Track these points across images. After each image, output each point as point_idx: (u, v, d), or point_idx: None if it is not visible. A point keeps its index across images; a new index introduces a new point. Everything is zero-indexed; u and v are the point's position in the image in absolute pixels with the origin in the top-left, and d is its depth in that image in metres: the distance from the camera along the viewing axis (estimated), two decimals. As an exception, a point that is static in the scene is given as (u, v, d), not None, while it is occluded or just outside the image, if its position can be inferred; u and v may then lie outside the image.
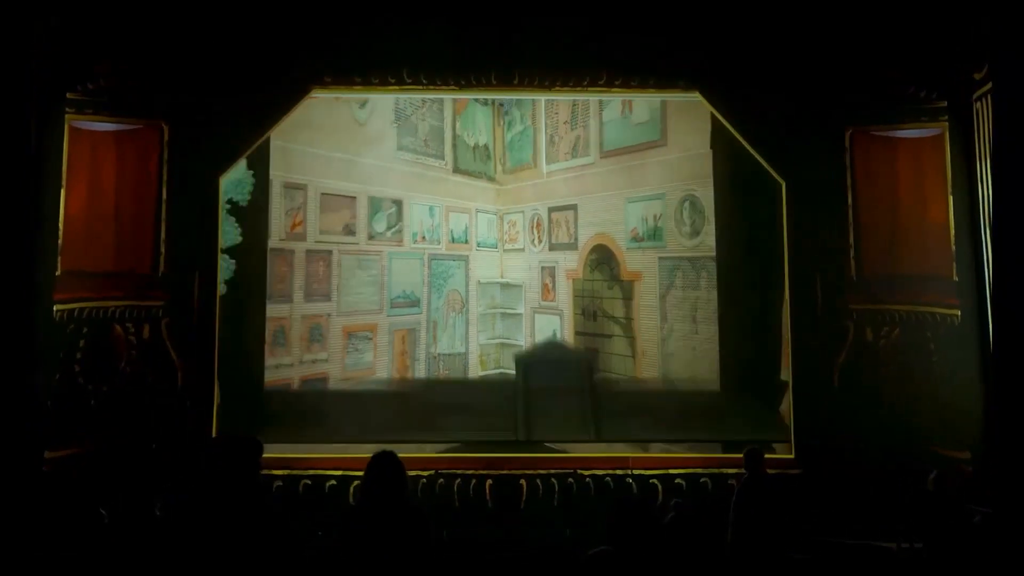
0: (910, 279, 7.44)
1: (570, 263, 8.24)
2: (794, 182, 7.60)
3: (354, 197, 8.15)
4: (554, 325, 8.26)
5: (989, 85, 6.64)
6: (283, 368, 7.81)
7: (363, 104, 8.15)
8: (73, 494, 6.46)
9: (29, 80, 6.39)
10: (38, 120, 6.63)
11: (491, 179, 8.50)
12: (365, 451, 3.65)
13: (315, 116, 8.00)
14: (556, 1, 7.42)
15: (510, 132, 8.48)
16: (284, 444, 7.21)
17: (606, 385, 7.93)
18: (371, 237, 8.18)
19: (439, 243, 8.36)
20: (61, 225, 7.05)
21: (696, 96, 7.77)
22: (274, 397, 7.70)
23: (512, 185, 8.52)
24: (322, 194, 8.07)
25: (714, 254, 7.90)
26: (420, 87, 7.83)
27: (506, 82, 7.79)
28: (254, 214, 7.76)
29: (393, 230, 8.21)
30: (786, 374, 7.57)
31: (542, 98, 8.24)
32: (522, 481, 7.34)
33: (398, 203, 8.27)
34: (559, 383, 7.91)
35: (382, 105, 8.20)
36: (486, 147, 8.50)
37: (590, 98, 8.15)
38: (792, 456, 7.38)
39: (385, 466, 3.41)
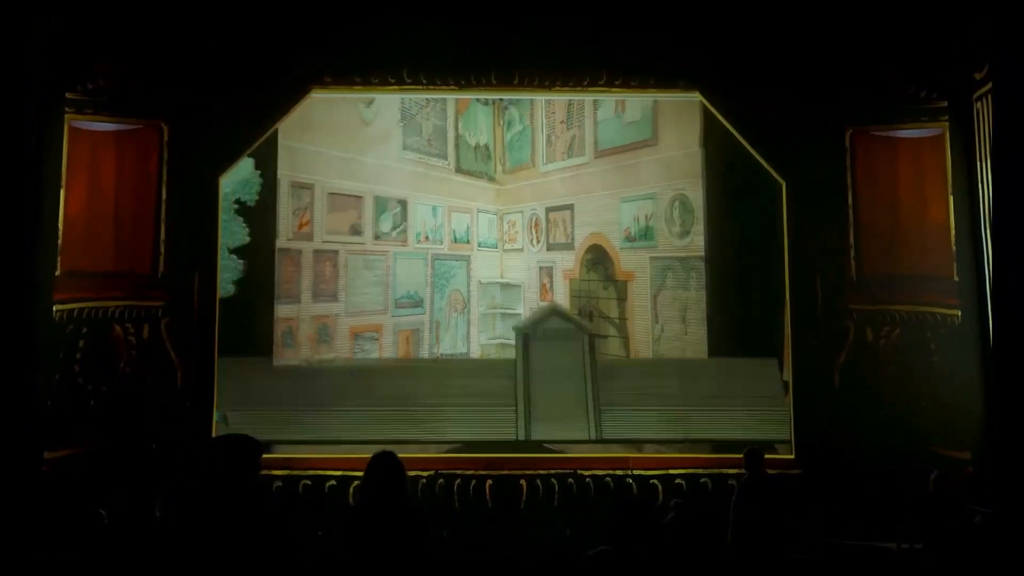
0: (910, 279, 7.44)
1: (567, 263, 8.24)
2: (794, 182, 7.60)
3: (360, 197, 8.14)
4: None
5: (989, 85, 6.63)
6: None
7: (369, 103, 8.15)
8: (73, 494, 6.46)
9: (29, 80, 6.38)
10: (38, 120, 6.62)
11: (491, 179, 8.50)
12: (365, 451, 3.65)
13: (322, 115, 7.99)
14: (556, 1, 7.42)
15: (509, 132, 8.48)
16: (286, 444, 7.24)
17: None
18: (377, 237, 8.17)
19: (442, 243, 8.36)
20: (61, 225, 7.05)
21: (696, 96, 7.77)
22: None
23: (511, 185, 8.52)
24: (329, 194, 8.07)
25: (703, 254, 7.89)
26: (420, 87, 7.84)
27: (506, 82, 7.79)
28: (262, 214, 7.77)
29: (398, 230, 8.21)
30: (786, 374, 7.57)
31: (542, 98, 8.24)
32: (522, 481, 7.34)
33: (403, 203, 8.27)
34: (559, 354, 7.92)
35: (388, 104, 8.19)
36: (487, 147, 8.50)
37: (590, 98, 8.15)
38: (792, 456, 7.38)
39: (385, 466, 3.41)
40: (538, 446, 7.65)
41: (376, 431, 7.45)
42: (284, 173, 7.88)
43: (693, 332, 7.85)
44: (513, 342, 8.05)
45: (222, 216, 7.63)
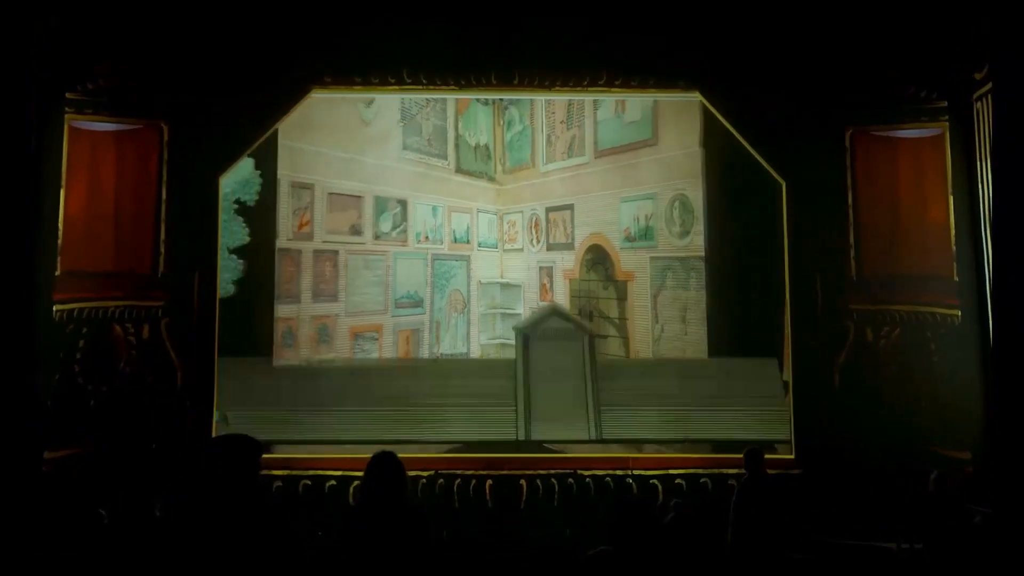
0: (910, 279, 7.44)
1: (567, 263, 8.23)
2: (794, 182, 7.60)
3: (360, 197, 8.14)
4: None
5: (989, 85, 6.63)
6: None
7: (369, 103, 8.14)
8: (73, 494, 6.46)
9: (29, 80, 6.38)
10: (38, 120, 6.62)
11: (491, 179, 8.50)
12: (365, 451, 3.65)
13: (322, 115, 7.99)
14: (556, 1, 7.42)
15: (509, 132, 8.47)
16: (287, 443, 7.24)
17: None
18: (377, 237, 8.17)
19: (442, 243, 8.35)
20: (61, 225, 7.05)
21: (696, 96, 7.77)
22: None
23: (511, 185, 8.52)
24: (329, 193, 8.06)
25: (703, 254, 7.89)
26: (420, 87, 7.84)
27: (506, 82, 7.79)
28: (262, 214, 7.77)
29: (398, 230, 8.21)
30: (786, 374, 7.57)
31: (542, 98, 8.24)
32: (522, 481, 7.34)
33: (403, 203, 8.26)
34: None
35: (388, 104, 8.18)
36: (487, 147, 8.50)
37: (590, 98, 8.15)
38: (792, 456, 7.38)
39: (385, 466, 3.41)
40: (538, 446, 7.65)
41: (376, 431, 7.46)
42: (284, 173, 7.88)
43: (693, 332, 7.85)
44: (513, 342, 8.05)
45: (222, 216, 7.63)
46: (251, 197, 7.75)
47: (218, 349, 7.48)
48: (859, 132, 7.62)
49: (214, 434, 7.15)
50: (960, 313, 7.19)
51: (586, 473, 7.37)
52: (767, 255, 7.70)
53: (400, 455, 3.46)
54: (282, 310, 7.79)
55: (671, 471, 7.37)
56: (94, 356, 7.13)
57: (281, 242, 7.85)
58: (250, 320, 7.67)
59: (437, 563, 3.46)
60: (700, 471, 7.35)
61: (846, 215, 7.57)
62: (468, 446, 7.58)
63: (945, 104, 7.36)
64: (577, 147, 8.36)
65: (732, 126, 7.68)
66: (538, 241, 8.36)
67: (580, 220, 8.23)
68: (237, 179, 7.70)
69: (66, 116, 7.12)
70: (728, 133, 7.73)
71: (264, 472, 6.37)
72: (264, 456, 3.63)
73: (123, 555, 5.00)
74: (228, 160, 7.59)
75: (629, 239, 8.07)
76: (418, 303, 8.19)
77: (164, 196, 7.43)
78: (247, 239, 7.71)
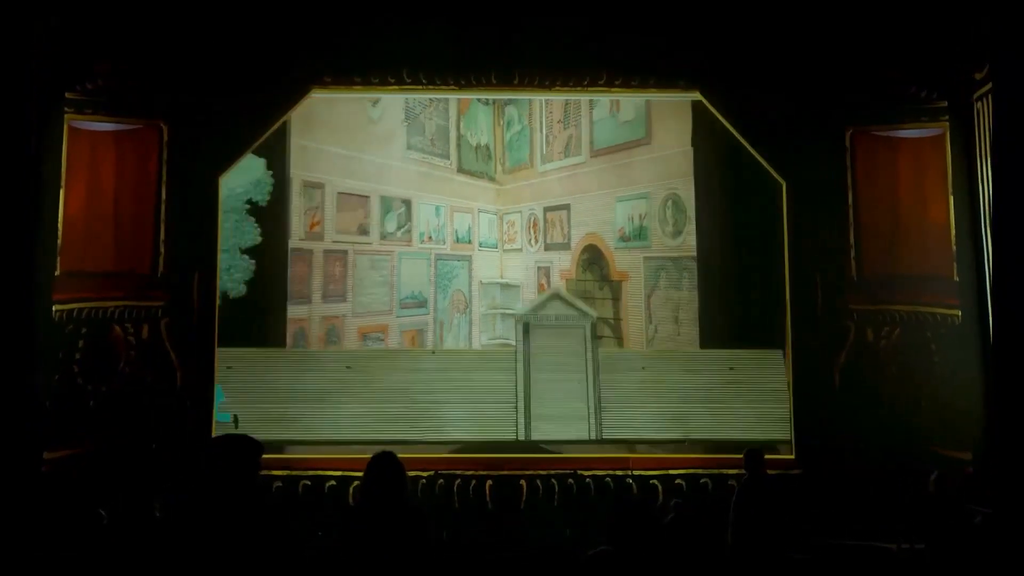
0: (911, 279, 7.44)
1: (564, 263, 8.23)
2: (794, 182, 7.60)
3: (367, 196, 8.14)
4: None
5: (989, 85, 6.63)
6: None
7: (376, 102, 8.15)
8: (72, 494, 6.45)
9: (29, 80, 6.37)
10: (38, 120, 6.61)
11: (491, 179, 8.50)
12: (365, 451, 3.65)
13: (331, 114, 7.98)
14: (556, 1, 7.42)
15: (509, 132, 8.47)
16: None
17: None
18: (383, 237, 8.17)
19: (444, 243, 8.35)
20: (61, 225, 7.04)
21: (696, 96, 7.77)
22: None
23: (511, 185, 8.52)
24: (338, 193, 8.05)
25: (695, 253, 7.87)
26: (420, 87, 7.83)
27: (506, 82, 7.78)
28: (273, 214, 7.76)
29: (403, 230, 8.21)
30: (787, 374, 7.57)
31: (542, 98, 8.24)
32: (522, 482, 7.34)
33: (407, 203, 8.26)
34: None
35: (393, 103, 8.18)
36: (487, 147, 8.50)
37: (591, 98, 8.14)
38: (792, 456, 7.38)
39: (385, 467, 3.41)
40: (538, 446, 7.64)
41: (376, 430, 7.45)
42: (296, 172, 7.87)
43: (685, 332, 7.84)
44: (513, 342, 8.05)
45: (234, 217, 7.64)
46: (263, 197, 7.74)
47: (223, 349, 7.47)
48: (859, 132, 7.62)
49: (214, 434, 7.15)
50: (960, 313, 7.19)
51: (586, 473, 7.36)
52: (761, 254, 7.71)
53: (400, 455, 3.47)
54: (294, 311, 7.77)
55: (671, 471, 7.37)
56: (94, 356, 7.13)
57: (293, 242, 7.84)
58: (262, 320, 7.66)
59: (437, 563, 3.45)
60: (700, 471, 7.35)
61: (846, 215, 7.56)
62: (468, 446, 7.58)
63: (945, 104, 7.36)
64: (574, 147, 8.36)
65: (732, 126, 7.67)
66: (536, 241, 8.36)
67: (577, 220, 8.23)
68: (249, 179, 7.71)
69: (66, 116, 7.12)
70: (720, 132, 7.73)
71: (264, 472, 6.37)
72: (265, 456, 3.63)
73: (123, 555, 5.00)
74: (228, 160, 7.59)
75: (624, 239, 8.06)
76: (422, 303, 8.19)
77: (164, 196, 7.42)
78: (259, 239, 7.70)
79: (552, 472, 7.38)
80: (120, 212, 7.35)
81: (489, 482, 7.33)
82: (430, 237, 8.29)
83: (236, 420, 7.38)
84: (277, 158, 7.80)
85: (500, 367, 7.84)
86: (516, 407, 7.72)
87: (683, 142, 7.94)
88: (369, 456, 3.45)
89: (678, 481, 7.32)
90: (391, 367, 7.83)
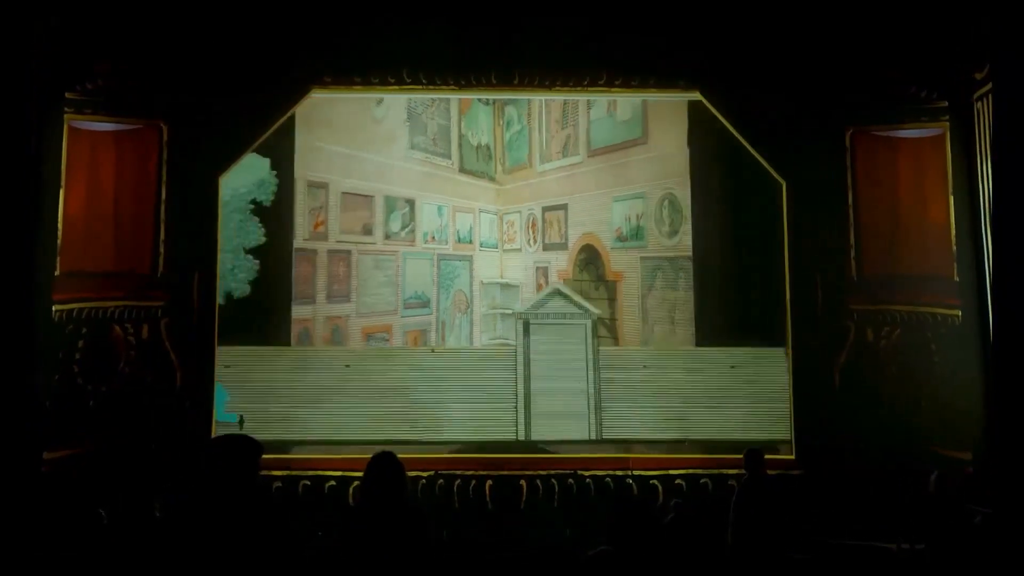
0: (911, 279, 7.44)
1: (561, 263, 8.22)
2: (794, 182, 7.60)
3: (371, 196, 8.13)
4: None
5: (990, 85, 6.63)
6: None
7: (380, 101, 8.13)
8: (72, 494, 6.45)
9: (29, 80, 6.37)
10: (38, 120, 6.61)
11: (492, 179, 8.49)
12: (365, 451, 3.65)
13: (335, 113, 7.96)
14: (556, 1, 7.42)
15: (508, 132, 8.47)
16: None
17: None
18: (387, 237, 8.15)
19: (447, 243, 8.34)
20: (60, 225, 7.04)
21: (696, 96, 7.77)
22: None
23: (510, 185, 8.51)
24: (342, 193, 8.04)
25: (691, 254, 7.86)
26: (420, 87, 7.83)
27: (506, 82, 7.79)
28: (277, 214, 7.75)
29: (407, 230, 8.20)
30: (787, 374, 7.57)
31: (542, 98, 8.24)
32: (522, 482, 7.34)
33: (411, 203, 8.25)
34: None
35: (396, 102, 8.16)
36: (487, 147, 8.49)
37: (591, 98, 8.14)
38: (793, 457, 7.37)
39: (385, 467, 3.41)
40: (537, 446, 7.64)
41: (375, 430, 7.45)
42: (300, 172, 7.85)
43: (681, 333, 7.82)
44: (512, 342, 8.04)
45: (238, 217, 7.63)
46: (267, 197, 7.73)
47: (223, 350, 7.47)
48: (859, 132, 7.62)
49: (215, 434, 7.15)
50: (960, 313, 7.19)
51: (586, 473, 7.36)
52: (761, 254, 7.69)
53: (400, 455, 3.47)
54: (298, 311, 7.77)
55: (671, 472, 7.37)
56: (94, 356, 7.13)
57: (298, 242, 7.83)
58: (266, 320, 7.65)
59: (437, 563, 3.45)
60: (700, 471, 7.35)
61: (846, 215, 7.56)
62: (468, 446, 7.58)
63: (946, 104, 7.36)
64: (571, 146, 8.34)
65: (732, 126, 7.67)
66: (535, 241, 8.35)
67: (574, 220, 8.21)
68: (253, 179, 7.68)
69: (66, 116, 7.12)
70: (716, 132, 7.73)
71: (264, 472, 6.37)
72: (265, 456, 3.63)
73: (123, 555, 5.00)
74: (228, 160, 7.59)
75: (621, 239, 8.05)
76: (425, 303, 8.18)
77: (164, 196, 7.42)
78: (263, 239, 7.69)
79: (552, 472, 7.38)
80: (120, 212, 7.35)
81: (489, 482, 7.34)
82: (433, 237, 8.27)
83: (242, 421, 7.38)
84: (283, 158, 7.77)
85: (500, 366, 7.83)
86: (516, 407, 7.71)
87: (679, 142, 7.93)
88: (369, 456, 3.45)
89: (678, 481, 7.32)
90: (390, 365, 7.82)
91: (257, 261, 7.66)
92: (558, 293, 8.01)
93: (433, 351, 8.00)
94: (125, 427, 7.06)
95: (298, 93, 7.69)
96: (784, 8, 7.39)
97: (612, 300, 8.03)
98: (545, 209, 8.35)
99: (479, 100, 8.39)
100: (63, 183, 7.08)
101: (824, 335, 7.49)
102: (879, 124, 7.60)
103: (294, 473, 7.24)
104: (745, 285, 7.77)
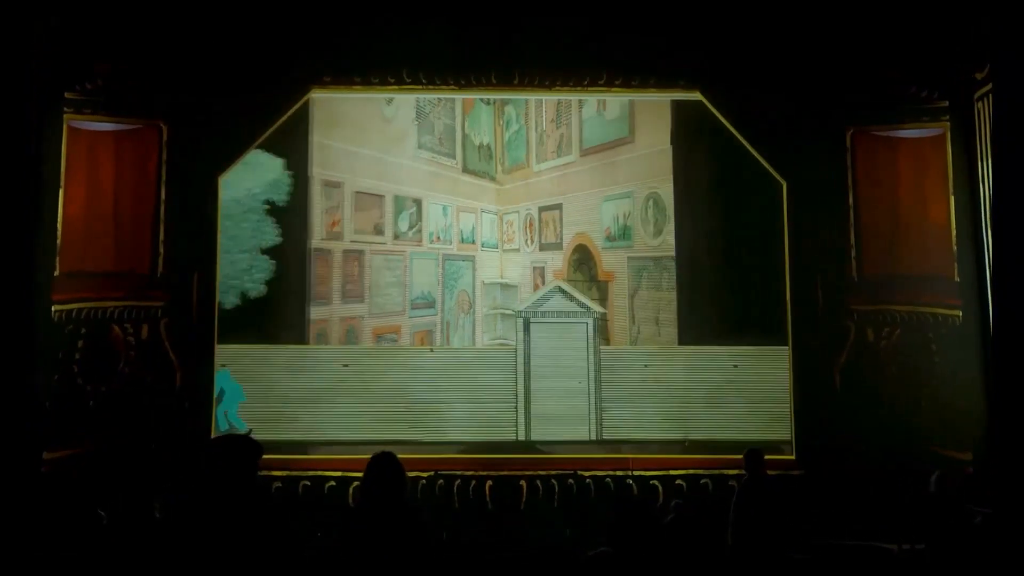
0: (911, 279, 7.44)
1: (557, 263, 8.21)
2: (794, 182, 7.60)
3: (382, 196, 8.11)
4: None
5: (990, 85, 6.63)
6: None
7: (390, 101, 8.12)
8: (72, 495, 6.45)
9: (29, 80, 6.37)
10: (38, 120, 6.62)
11: (492, 179, 8.49)
12: (365, 452, 3.64)
13: (347, 112, 7.93)
14: (556, 1, 7.42)
15: (508, 132, 8.46)
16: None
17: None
18: (396, 237, 8.14)
19: (451, 243, 8.33)
20: (60, 225, 7.05)
21: (697, 96, 7.77)
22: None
23: (510, 185, 8.51)
24: (355, 192, 8.03)
25: (674, 253, 7.83)
26: (420, 87, 7.83)
27: (506, 82, 7.79)
28: (293, 214, 7.73)
29: (414, 230, 8.19)
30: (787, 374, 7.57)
31: (543, 98, 8.23)
32: (522, 482, 7.34)
33: (418, 202, 8.24)
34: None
35: (405, 101, 8.14)
36: (489, 147, 8.49)
37: (591, 98, 8.13)
38: (793, 457, 7.37)
39: (384, 467, 3.41)
40: (536, 447, 7.63)
41: (375, 429, 7.45)
42: (315, 172, 7.83)
43: (666, 333, 7.81)
44: (512, 342, 8.03)
45: (253, 217, 7.61)
46: (281, 197, 7.72)
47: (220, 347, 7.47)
48: (859, 132, 7.61)
49: (214, 435, 7.15)
50: (961, 313, 7.19)
51: (586, 474, 7.36)
52: (759, 254, 7.67)
53: (400, 455, 3.46)
54: (315, 311, 7.74)
55: (671, 472, 7.37)
56: (93, 356, 7.13)
57: (315, 242, 7.81)
58: (282, 321, 7.63)
59: (437, 563, 3.45)
60: (700, 472, 7.34)
61: (846, 215, 7.56)
62: (468, 447, 7.57)
63: (946, 104, 7.37)
64: (565, 146, 8.33)
65: (732, 126, 7.67)
66: (532, 241, 8.34)
67: (568, 220, 8.19)
68: (267, 179, 7.67)
69: (65, 116, 7.12)
70: (701, 130, 7.71)
71: (263, 472, 6.37)
72: (265, 456, 3.63)
73: (123, 555, 4.99)
74: (228, 160, 7.59)
75: (610, 239, 8.03)
76: (431, 304, 8.16)
77: (164, 196, 7.42)
78: (279, 239, 7.67)
79: (552, 472, 7.38)
80: (120, 212, 7.35)
81: (489, 482, 7.33)
82: (438, 237, 8.27)
83: (250, 432, 7.35)
84: (298, 158, 7.74)
85: (500, 365, 7.82)
86: (516, 407, 7.70)
87: (663, 140, 7.91)
88: (369, 456, 3.45)
89: (678, 482, 7.32)
90: (389, 365, 7.81)
91: (273, 261, 7.64)
92: (559, 290, 8.00)
93: (432, 351, 8.00)
94: (125, 427, 7.06)
95: (298, 93, 7.69)
96: (784, 8, 7.39)
97: (604, 300, 8.02)
98: (541, 209, 8.34)
99: (481, 100, 8.39)
100: (63, 183, 7.08)
101: (824, 335, 7.48)
102: (879, 124, 7.60)
103: (294, 473, 7.24)
104: (733, 285, 7.72)
